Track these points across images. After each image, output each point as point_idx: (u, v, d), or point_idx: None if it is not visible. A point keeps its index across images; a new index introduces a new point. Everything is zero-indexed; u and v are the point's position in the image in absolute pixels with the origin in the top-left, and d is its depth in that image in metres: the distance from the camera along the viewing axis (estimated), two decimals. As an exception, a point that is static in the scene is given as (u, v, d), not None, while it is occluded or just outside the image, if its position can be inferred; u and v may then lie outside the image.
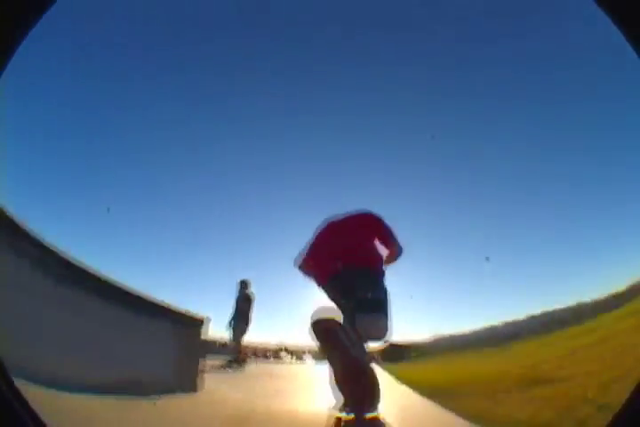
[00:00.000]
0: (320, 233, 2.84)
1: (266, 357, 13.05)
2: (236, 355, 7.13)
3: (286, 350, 13.45)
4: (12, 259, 2.32)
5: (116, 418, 1.15)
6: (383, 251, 2.70)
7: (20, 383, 0.88)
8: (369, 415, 2.09)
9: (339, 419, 2.20)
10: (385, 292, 2.50)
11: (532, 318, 9.84)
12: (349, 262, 2.55)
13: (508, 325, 10.31)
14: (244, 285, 7.43)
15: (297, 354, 13.38)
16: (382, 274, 2.59)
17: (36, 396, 0.89)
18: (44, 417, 0.85)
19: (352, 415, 2.09)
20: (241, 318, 7.13)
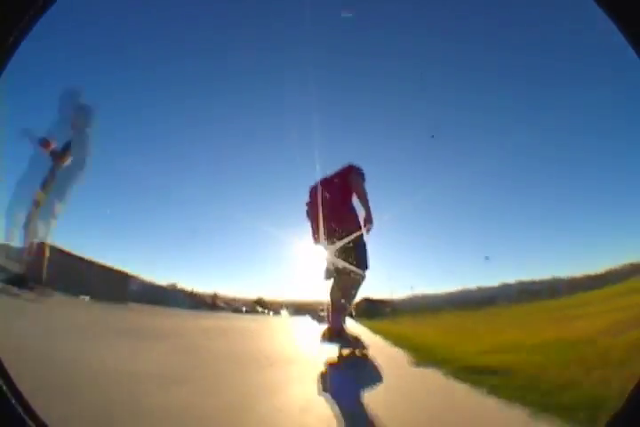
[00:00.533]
0: (310, 195, 3.27)
1: (239, 310, 12.43)
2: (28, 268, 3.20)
3: (261, 303, 12.77)
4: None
5: (116, 417, 1.14)
6: (359, 205, 3.14)
7: (20, 383, 0.88)
8: (359, 351, 2.84)
9: (341, 355, 2.83)
10: (357, 248, 2.95)
11: (507, 286, 9.88)
12: (326, 233, 2.98)
13: (482, 290, 10.33)
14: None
15: (274, 308, 12.88)
16: (360, 236, 2.99)
17: (37, 396, 0.89)
18: (45, 417, 0.85)
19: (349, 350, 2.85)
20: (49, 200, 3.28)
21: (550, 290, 8.38)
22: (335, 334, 2.92)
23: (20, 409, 0.82)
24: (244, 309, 12.68)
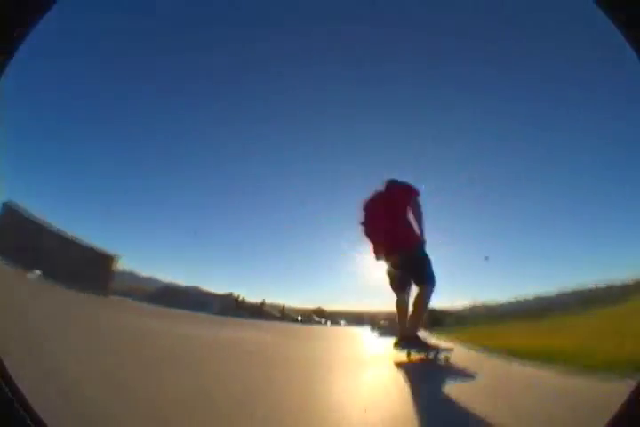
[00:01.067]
0: (363, 212, 3.30)
1: (294, 320, 11.71)
2: None
3: (320, 313, 12.37)
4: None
5: (116, 417, 1.14)
6: (414, 218, 3.15)
7: (20, 383, 0.88)
8: (442, 356, 2.77)
9: (409, 357, 2.83)
10: (420, 264, 2.96)
11: (563, 295, 9.82)
12: (390, 251, 3.04)
13: (540, 299, 10.28)
14: None
15: (332, 318, 12.50)
16: (418, 250, 3.02)
17: (37, 395, 0.89)
18: (44, 417, 0.85)
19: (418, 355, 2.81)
20: None
21: (608, 296, 8.29)
22: (408, 340, 2.88)
23: (20, 409, 0.82)
24: (299, 318, 12.01)
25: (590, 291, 9.42)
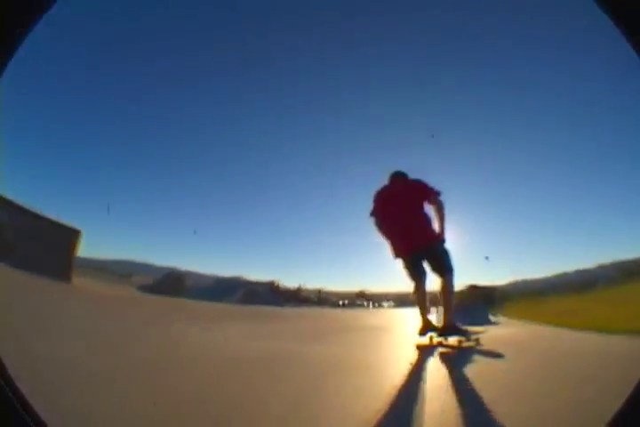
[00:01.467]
0: (376, 206, 3.36)
1: (337, 305, 11.42)
2: None
3: (363, 295, 12.28)
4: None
5: (117, 418, 1.14)
6: (432, 211, 3.24)
7: (19, 383, 0.88)
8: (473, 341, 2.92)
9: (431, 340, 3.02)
10: (446, 257, 3.13)
11: (602, 268, 9.79)
12: (410, 249, 3.15)
13: (579, 272, 10.21)
14: None
15: (377, 300, 12.38)
16: (439, 245, 3.16)
17: (36, 395, 0.89)
18: (44, 417, 0.85)
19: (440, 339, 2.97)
20: None
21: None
22: (449, 328, 3.00)
23: (20, 409, 0.82)
24: (341, 302, 11.82)
25: (628, 262, 9.42)
